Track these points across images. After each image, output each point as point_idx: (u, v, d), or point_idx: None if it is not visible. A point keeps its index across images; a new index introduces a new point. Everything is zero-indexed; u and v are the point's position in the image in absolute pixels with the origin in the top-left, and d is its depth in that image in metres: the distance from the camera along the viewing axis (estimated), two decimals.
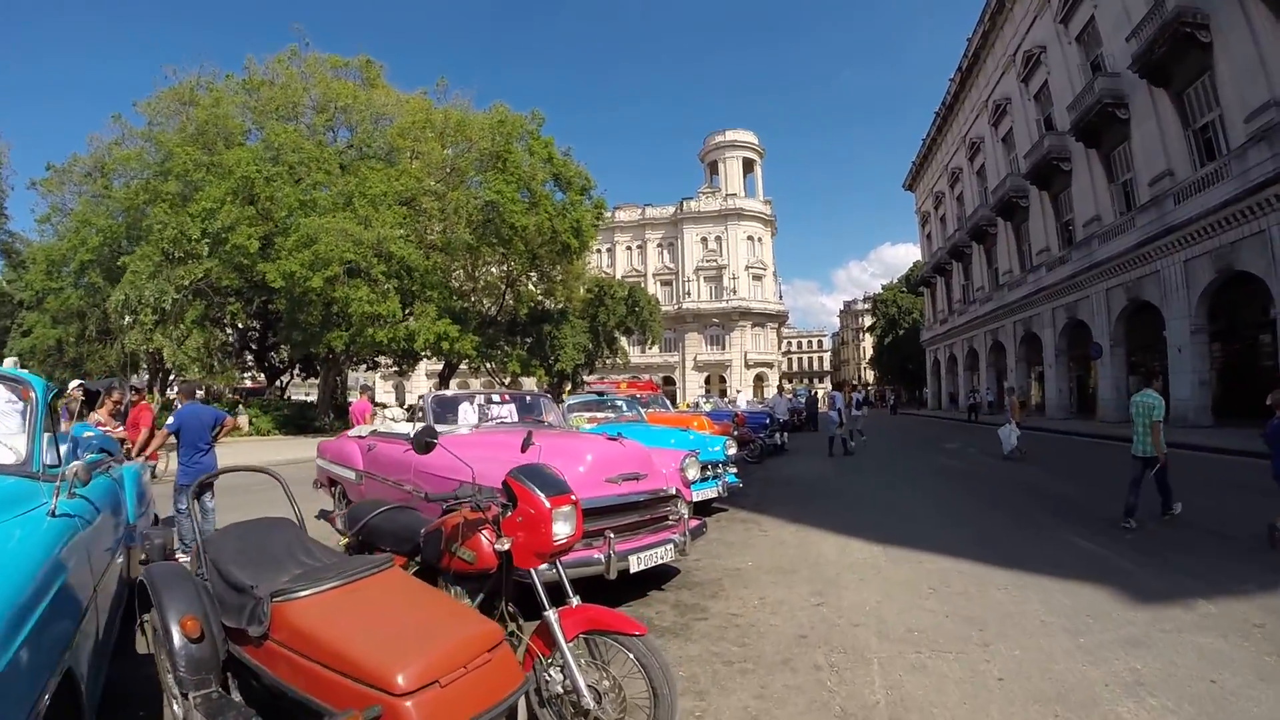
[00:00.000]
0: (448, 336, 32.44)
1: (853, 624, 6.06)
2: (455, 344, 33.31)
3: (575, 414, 13.29)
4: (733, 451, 11.95)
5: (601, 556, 5.97)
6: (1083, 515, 10.87)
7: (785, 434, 25.01)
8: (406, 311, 32.46)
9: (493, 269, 42.43)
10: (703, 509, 10.76)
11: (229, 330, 40.66)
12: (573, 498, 4.01)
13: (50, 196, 36.86)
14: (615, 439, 7.33)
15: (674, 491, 7.20)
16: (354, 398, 34.50)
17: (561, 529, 3.87)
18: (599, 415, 14.00)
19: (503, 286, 43.51)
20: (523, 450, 5.42)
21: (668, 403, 20.01)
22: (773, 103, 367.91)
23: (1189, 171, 27.04)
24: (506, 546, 3.83)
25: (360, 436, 10.08)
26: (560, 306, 46.78)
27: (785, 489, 14.46)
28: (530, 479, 3.98)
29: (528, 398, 10.14)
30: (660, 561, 6.56)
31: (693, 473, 8.45)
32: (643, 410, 14.85)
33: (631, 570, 6.19)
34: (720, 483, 11.10)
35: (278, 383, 49.76)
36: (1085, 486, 14.24)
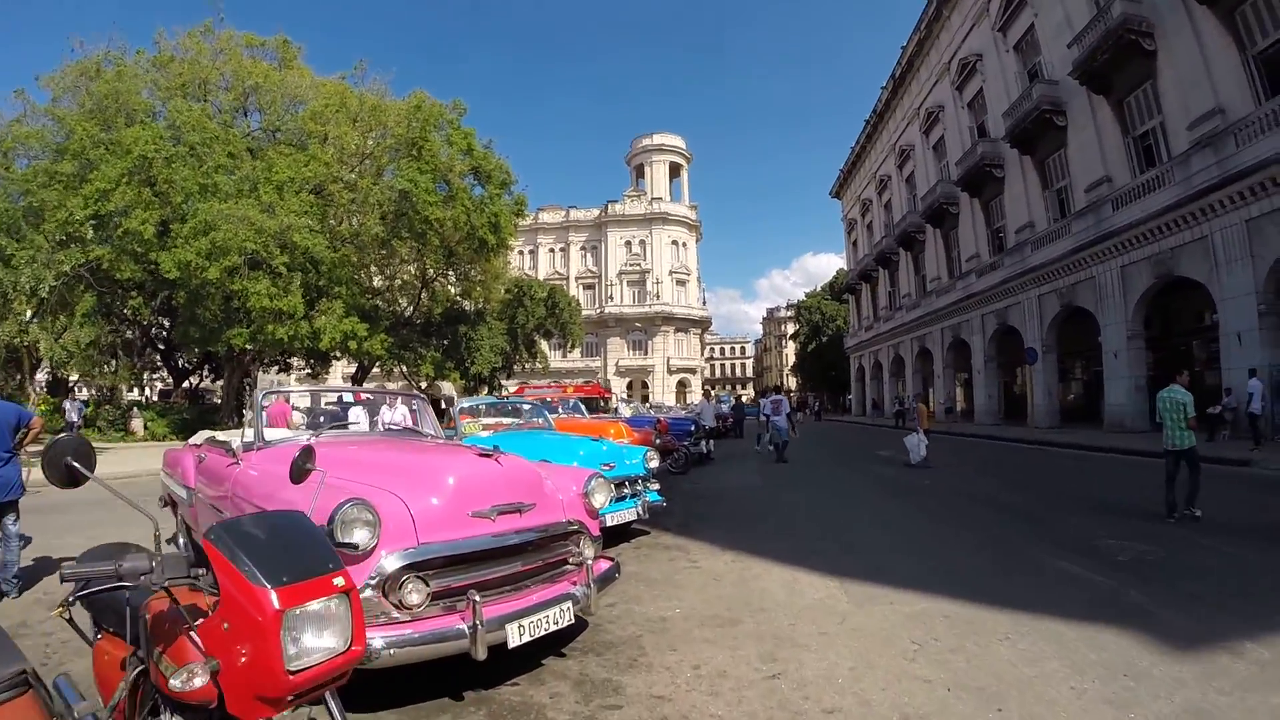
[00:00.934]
0: (355, 336, 30.39)
1: (825, 710, 4.29)
2: (364, 344, 31.30)
3: (468, 420, 11.51)
4: (654, 464, 10.25)
5: (465, 627, 4.16)
6: (1051, 531, 9.75)
7: (711, 442, 23.36)
8: (312, 309, 30.25)
9: (409, 266, 40.31)
10: (619, 534, 9.33)
11: (130, 327, 38.03)
12: (338, 582, 2.21)
13: None
14: (490, 453, 5.21)
15: (574, 526, 5.24)
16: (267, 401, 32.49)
17: (309, 645, 2.13)
18: (497, 421, 12.29)
19: (417, 285, 41.50)
20: (294, 478, 3.76)
21: (583, 408, 18.26)
22: (700, 107, 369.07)
23: (1128, 178, 26.71)
24: (205, 679, 2.06)
25: (196, 445, 7.82)
26: (478, 307, 44.95)
27: (715, 505, 12.87)
28: (244, 544, 2.19)
29: (393, 399, 9.00)
30: (552, 628, 4.65)
31: (600, 498, 6.07)
32: (550, 416, 13.14)
33: (510, 645, 4.37)
34: (640, 502, 9.35)
35: (186, 384, 46.96)
36: (1037, 496, 13.35)
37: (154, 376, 51.74)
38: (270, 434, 6.37)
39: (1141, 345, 26.26)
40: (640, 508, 9.23)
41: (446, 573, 4.36)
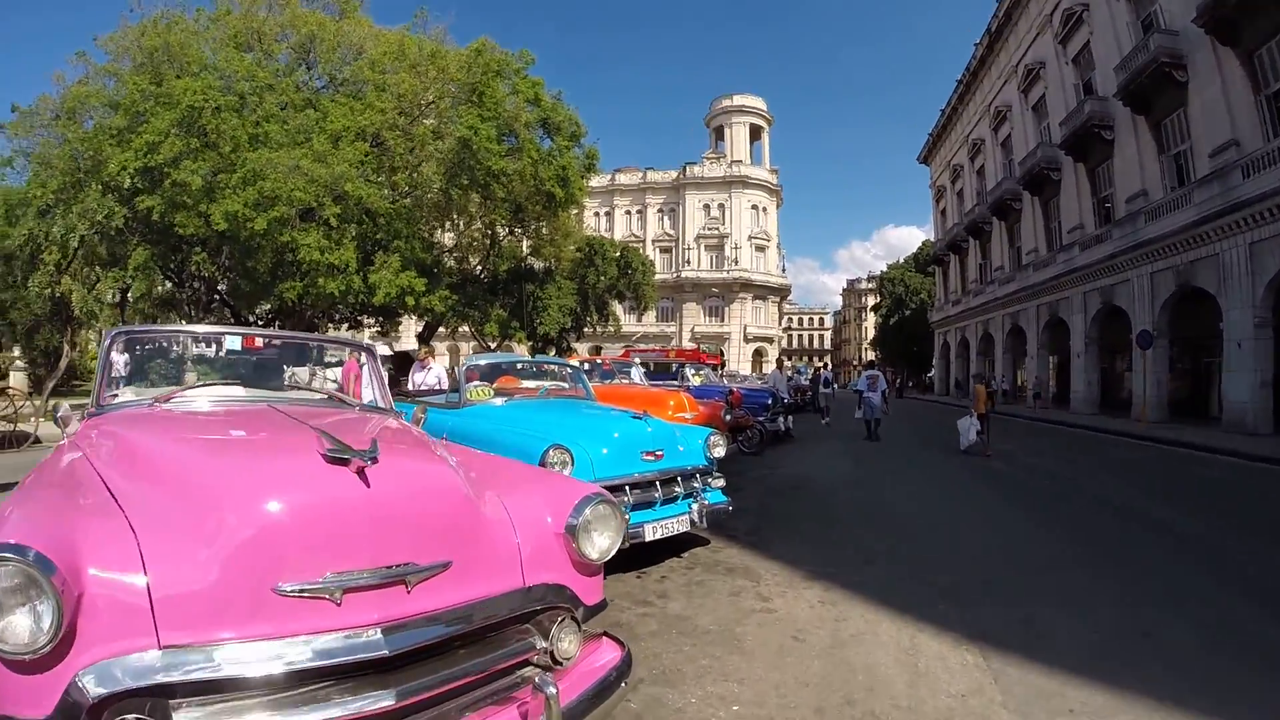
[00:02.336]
0: (413, 291, 28.93)
1: None
2: (422, 300, 29.85)
3: (475, 383, 8.78)
4: (719, 452, 7.78)
5: None
6: (1269, 577, 7.00)
7: (790, 417, 20.91)
8: (368, 263, 28.85)
9: (477, 222, 38.74)
10: (665, 546, 7.20)
11: (196, 282, 37.54)
12: None
13: (16, 140, 33.39)
14: (362, 461, 2.75)
15: (540, 597, 3.11)
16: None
17: None
18: (517, 386, 9.95)
19: (484, 241, 39.96)
20: None
21: (639, 374, 16.01)
22: (780, 71, 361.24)
23: (1260, 142, 23.77)
24: None
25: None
26: (546, 266, 43.33)
27: (795, 502, 10.64)
28: None
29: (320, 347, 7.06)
30: None
31: (601, 539, 3.37)
32: (588, 381, 10.24)
33: None
34: (695, 505, 7.04)
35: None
36: (1195, 511, 10.69)
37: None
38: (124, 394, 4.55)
39: (1270, 335, 23.24)
40: (695, 513, 7.02)
41: None
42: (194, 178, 25.91)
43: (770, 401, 19.11)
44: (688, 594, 6.20)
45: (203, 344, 5.89)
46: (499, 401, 8.51)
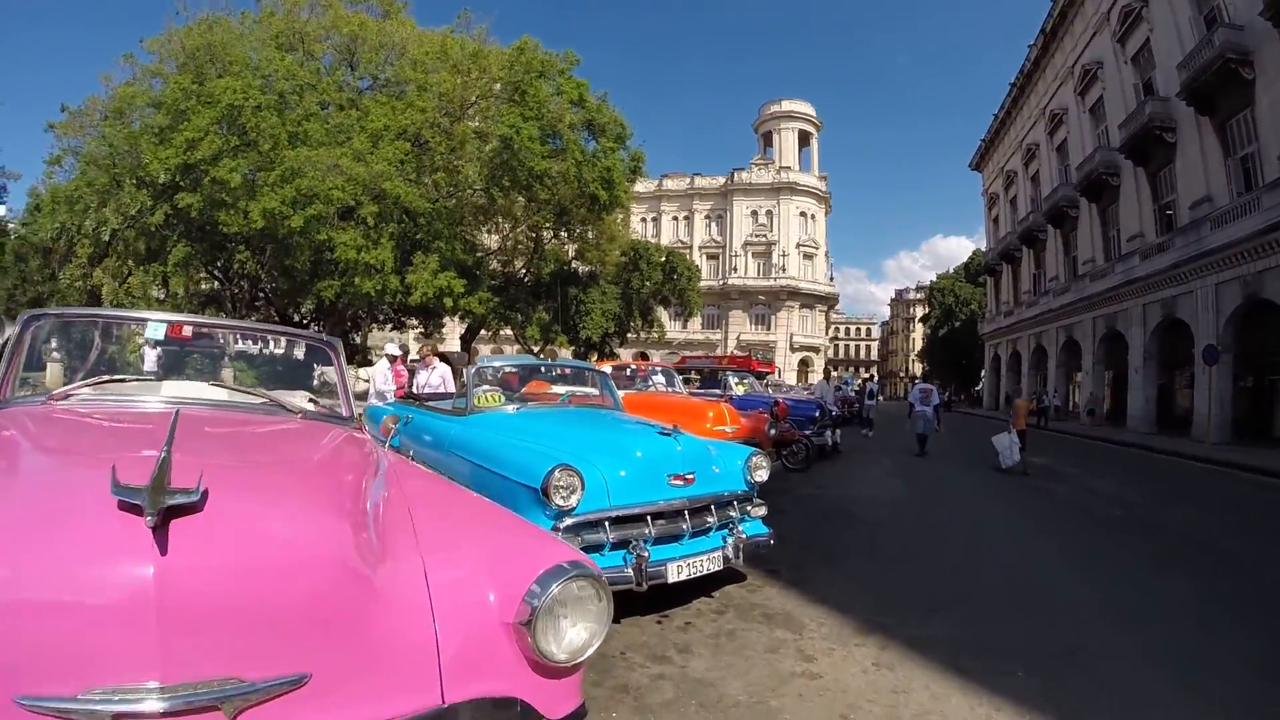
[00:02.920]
0: (451, 292, 28.51)
1: None
2: (460, 301, 29.41)
3: (484, 388, 7.80)
4: (762, 475, 6.51)
5: None
6: None
7: (838, 431, 19.47)
8: (407, 263, 28.50)
9: (521, 224, 38.27)
10: (695, 585, 5.98)
11: (240, 280, 37.81)
12: None
13: (66, 140, 33.86)
14: None
15: None
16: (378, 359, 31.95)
17: None
18: (535, 392, 9.04)
19: (528, 243, 39.49)
20: None
21: (676, 380, 15.75)
22: (830, 78, 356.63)
23: None
24: None
25: None
26: (591, 269, 42.78)
27: (845, 529, 9.36)
28: None
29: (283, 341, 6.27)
30: None
31: (578, 631, 2.36)
32: (615, 390, 8.92)
33: None
34: (732, 537, 5.95)
35: None
36: None
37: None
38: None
39: None
40: (730, 548, 5.90)
41: None
42: (233, 175, 25.95)
43: (818, 414, 18.01)
44: (715, 648, 5.05)
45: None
46: (511, 409, 7.36)
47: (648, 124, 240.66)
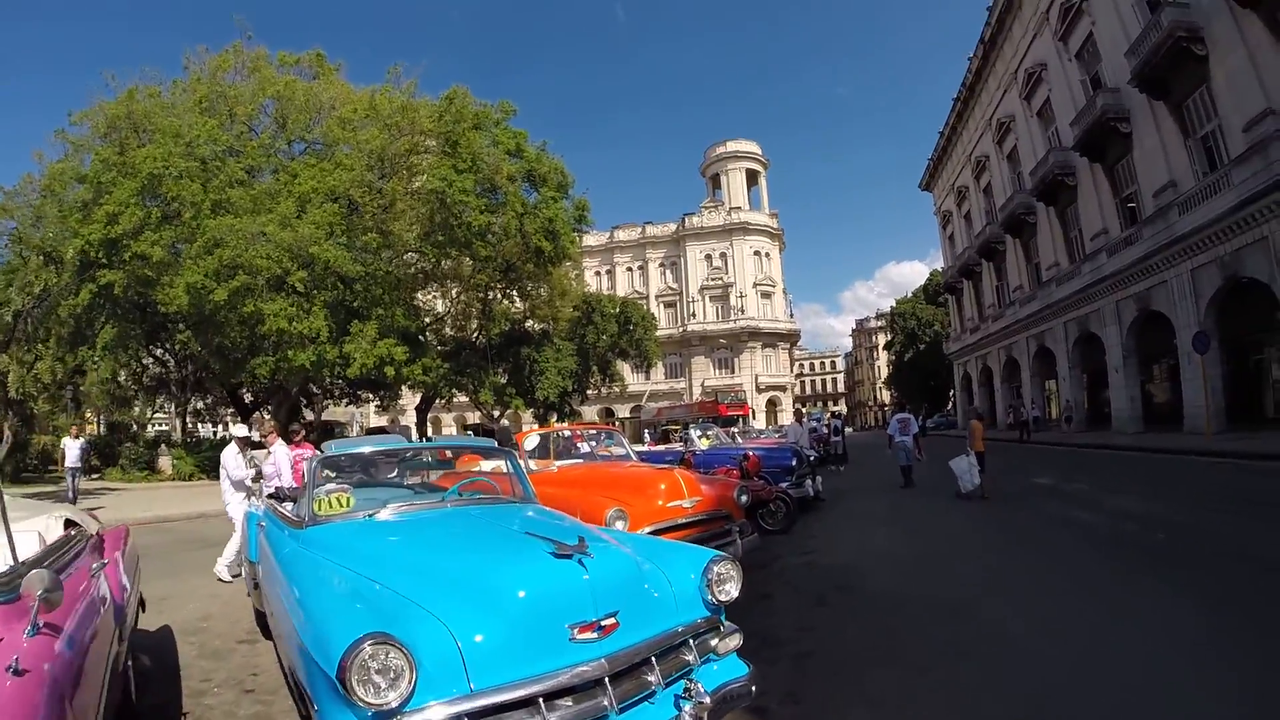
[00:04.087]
0: (392, 360, 26.81)
1: None
2: (403, 369, 27.70)
3: (327, 487, 5.63)
4: (730, 592, 4.24)
5: None
6: None
7: (819, 478, 16.70)
8: (345, 332, 26.77)
9: (460, 285, 36.69)
10: None
11: (186, 362, 36.52)
12: None
13: (2, 222, 32.52)
14: None
15: None
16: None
17: None
18: (462, 473, 7.52)
19: (475, 304, 37.94)
20: None
21: (623, 443, 12.91)
22: (773, 115, 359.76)
23: None
24: None
25: None
26: (543, 327, 41.26)
27: (847, 624, 7.02)
28: None
29: None
30: None
31: None
32: (524, 474, 6.61)
33: None
34: (692, 703, 3.62)
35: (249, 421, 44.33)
36: None
37: (225, 413, 50.50)
38: None
39: None
40: (689, 717, 3.67)
41: None
42: (155, 249, 24.75)
43: (794, 462, 15.83)
44: None
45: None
46: (361, 515, 5.24)
47: (594, 178, 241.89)
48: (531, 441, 11.04)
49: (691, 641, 3.97)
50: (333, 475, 5.94)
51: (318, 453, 9.21)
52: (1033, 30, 38.52)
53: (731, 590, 4.23)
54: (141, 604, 6.20)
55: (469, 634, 3.28)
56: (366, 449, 7.12)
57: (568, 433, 13.30)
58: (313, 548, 4.75)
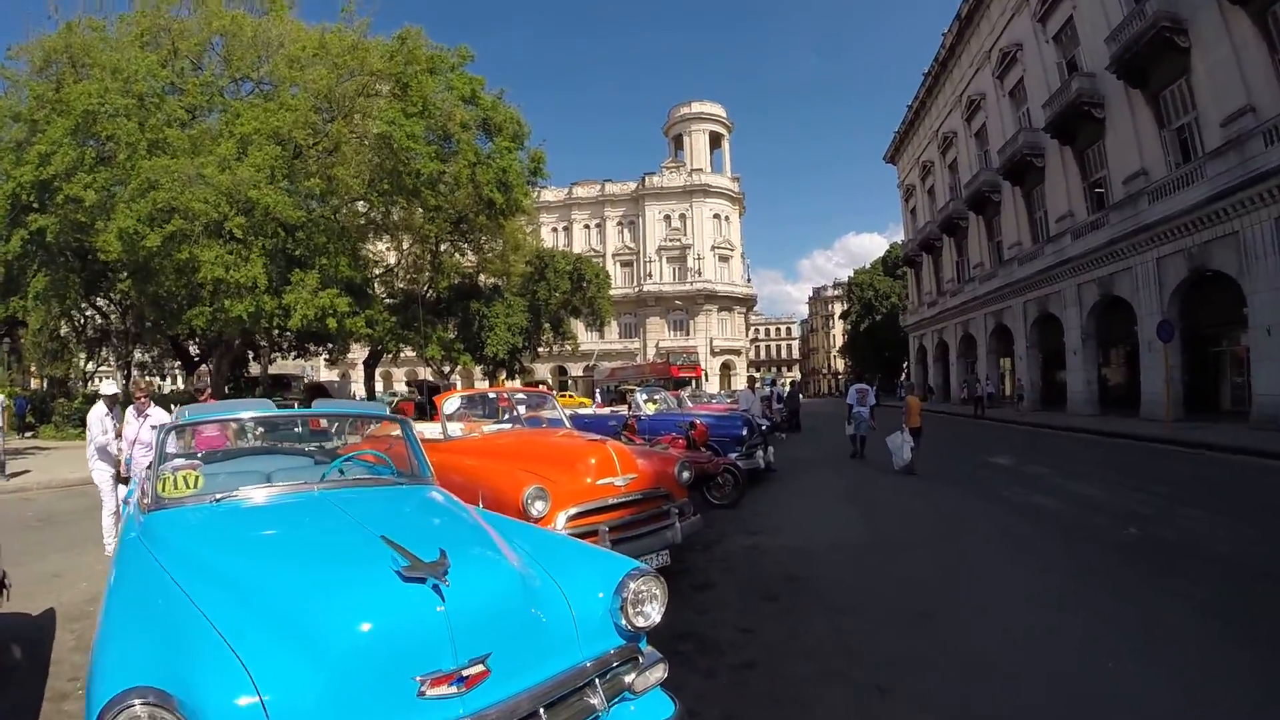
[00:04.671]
0: (334, 312, 25.63)
1: None
2: (345, 321, 26.53)
3: (175, 463, 4.75)
4: (650, 614, 3.36)
5: None
6: None
7: (771, 450, 16.02)
8: (286, 282, 25.52)
9: (409, 235, 35.42)
10: None
11: (126, 313, 35.02)
12: None
13: None
14: None
15: None
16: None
17: None
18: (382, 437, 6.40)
19: (425, 256, 36.73)
20: None
21: (558, 406, 10.91)
22: (739, 78, 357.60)
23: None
24: None
25: None
26: (493, 282, 40.18)
27: (801, 626, 6.11)
28: None
29: None
30: None
31: None
32: (418, 447, 5.64)
33: None
34: None
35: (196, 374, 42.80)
36: None
37: (171, 365, 48.88)
38: None
39: None
40: None
41: None
42: (88, 193, 23.04)
43: (745, 432, 15.26)
44: None
45: None
46: (211, 498, 4.30)
47: (554, 134, 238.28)
48: (452, 404, 9.74)
49: (598, 681, 3.12)
50: (188, 449, 5.26)
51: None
52: (1011, 10, 37.76)
53: (652, 613, 3.41)
54: (4, 586, 5.65)
55: (279, 690, 2.45)
56: (223, 415, 6.15)
57: (494, 395, 12.37)
58: (147, 539, 3.89)
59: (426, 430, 8.54)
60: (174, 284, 24.35)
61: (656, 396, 19.44)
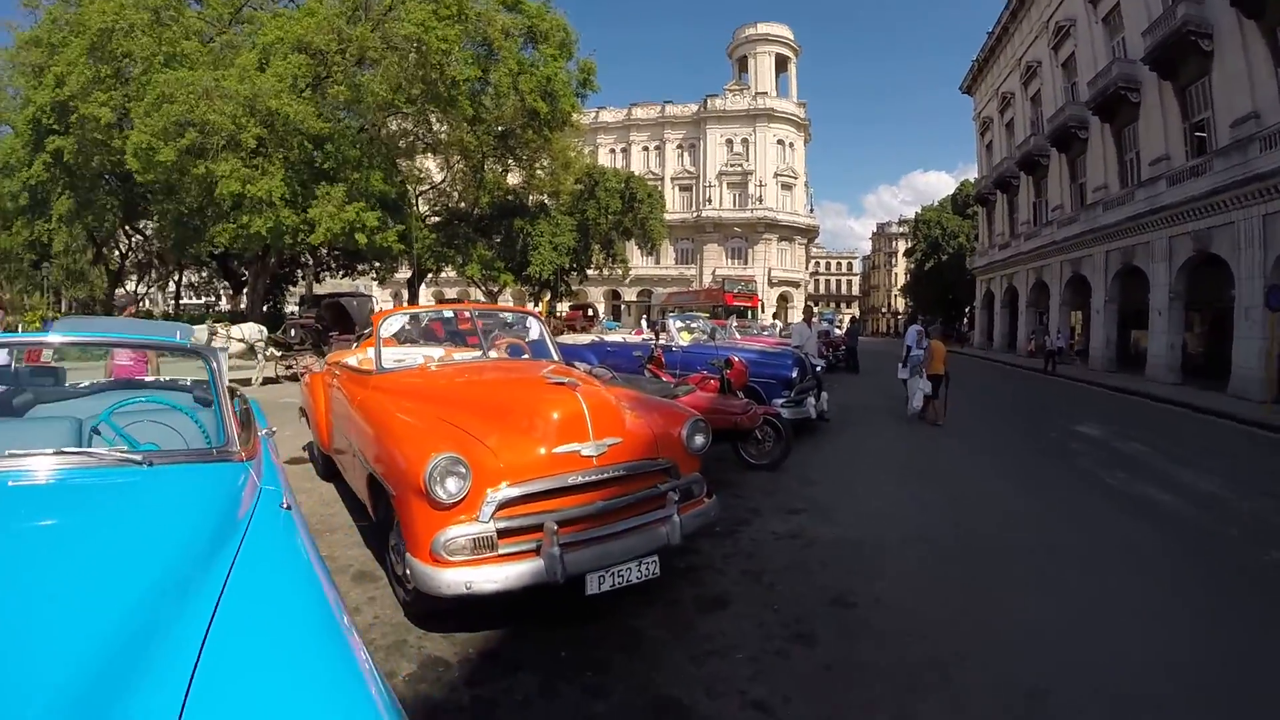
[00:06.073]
0: (363, 227, 24.10)
1: None
2: (375, 236, 25.01)
3: None
4: None
5: None
6: None
7: (825, 395, 13.50)
8: (312, 197, 24.17)
9: (453, 150, 33.66)
10: None
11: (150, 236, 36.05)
12: None
13: None
14: None
15: None
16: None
17: None
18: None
19: (468, 171, 34.97)
20: None
21: (542, 331, 8.13)
22: (807, 6, 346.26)
23: None
24: None
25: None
26: (540, 200, 38.40)
27: (860, 698, 4.07)
28: None
29: None
30: None
31: None
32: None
33: None
34: None
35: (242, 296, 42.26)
36: None
37: (220, 285, 49.02)
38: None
39: None
40: None
41: None
42: (103, 111, 22.84)
43: (794, 373, 12.57)
44: None
45: None
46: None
47: (613, 53, 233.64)
48: (392, 325, 7.65)
49: None
50: None
51: None
52: None
53: None
54: None
55: None
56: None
57: (451, 314, 10.02)
58: None
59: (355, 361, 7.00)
60: (194, 200, 23.55)
61: (694, 324, 16.89)
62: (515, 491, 4.46)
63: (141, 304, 42.52)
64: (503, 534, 4.41)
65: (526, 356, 7.72)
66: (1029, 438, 13.90)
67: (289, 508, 3.01)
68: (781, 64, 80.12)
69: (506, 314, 9.69)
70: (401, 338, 8.32)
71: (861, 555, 6.47)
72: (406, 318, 8.20)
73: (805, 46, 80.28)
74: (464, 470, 4.32)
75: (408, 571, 4.50)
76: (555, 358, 7.40)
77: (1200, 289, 27.97)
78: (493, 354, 7.61)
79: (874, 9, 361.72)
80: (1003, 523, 8.00)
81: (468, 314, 8.96)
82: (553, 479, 4.60)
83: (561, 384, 5.15)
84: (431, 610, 4.65)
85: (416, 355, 7.21)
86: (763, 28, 78.86)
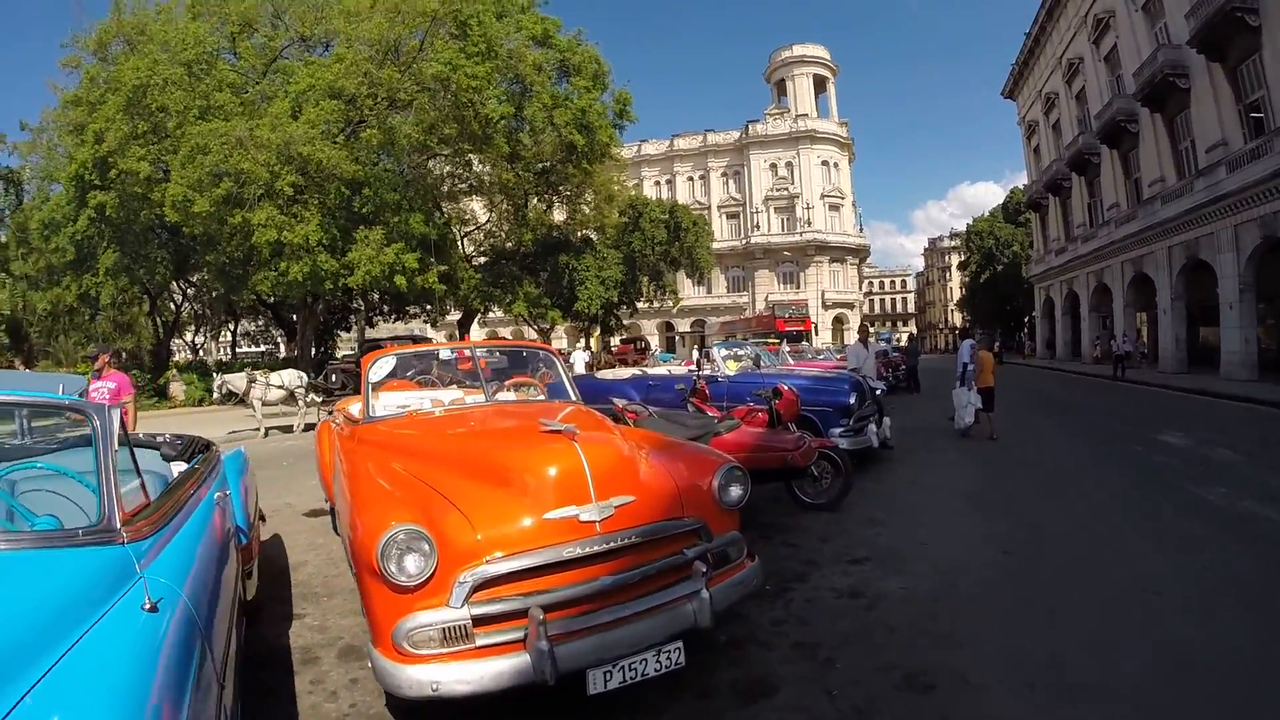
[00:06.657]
0: (403, 269, 24.03)
1: None
2: (415, 279, 24.95)
3: None
4: None
5: None
6: None
7: (888, 421, 12.40)
8: (350, 241, 24.26)
9: (495, 189, 33.75)
10: None
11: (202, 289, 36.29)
12: None
13: (30, 158, 32.26)
14: None
15: None
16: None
17: None
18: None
19: (510, 209, 35.03)
20: None
21: (558, 367, 7.10)
22: (841, 22, 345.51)
23: None
24: None
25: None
26: (584, 234, 38.29)
27: None
28: None
29: None
30: None
31: None
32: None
33: None
34: None
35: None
36: None
37: (275, 333, 49.76)
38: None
39: None
40: None
41: None
42: (141, 165, 23.39)
43: (852, 399, 11.30)
44: None
45: None
46: None
47: (652, 84, 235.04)
48: (381, 369, 6.59)
49: None
50: None
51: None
52: None
53: None
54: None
55: None
56: None
57: (451, 353, 8.33)
58: None
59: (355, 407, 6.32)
60: (234, 250, 23.93)
61: (740, 352, 15.30)
62: (494, 570, 3.59)
63: (199, 354, 43.46)
64: (479, 621, 3.54)
65: (542, 398, 6.73)
66: (1109, 452, 12.54)
67: (155, 609, 2.31)
68: (820, 84, 79.94)
69: (517, 349, 8.68)
70: (422, 380, 7.63)
71: (937, 617, 5.32)
72: (395, 360, 7.02)
73: (841, 64, 79.82)
74: (427, 547, 3.53)
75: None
76: (572, 398, 6.53)
77: (1271, 279, 26.74)
78: (502, 395, 6.78)
79: (907, 23, 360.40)
80: (1096, 562, 6.54)
81: (468, 352, 7.67)
82: (542, 552, 3.68)
83: (557, 431, 4.19)
84: (414, 703, 3.68)
85: (423, 400, 6.32)
86: (798, 49, 78.97)
